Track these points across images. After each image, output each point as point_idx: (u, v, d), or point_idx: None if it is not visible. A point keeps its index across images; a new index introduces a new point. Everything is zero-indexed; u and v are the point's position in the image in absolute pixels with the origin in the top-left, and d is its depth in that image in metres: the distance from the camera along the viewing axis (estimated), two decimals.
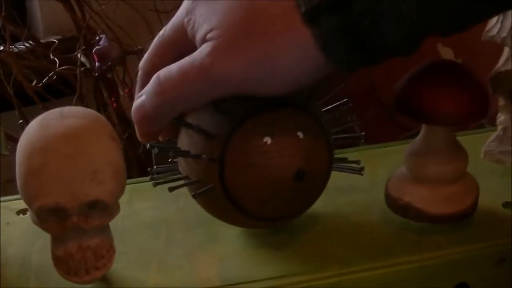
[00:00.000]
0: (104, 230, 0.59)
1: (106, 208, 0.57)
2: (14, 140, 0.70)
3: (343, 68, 0.53)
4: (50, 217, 0.56)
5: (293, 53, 0.52)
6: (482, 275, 0.63)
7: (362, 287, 0.60)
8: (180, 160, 0.62)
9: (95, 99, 1.13)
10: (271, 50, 0.51)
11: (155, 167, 0.64)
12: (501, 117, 0.72)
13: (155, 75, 0.56)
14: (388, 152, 0.78)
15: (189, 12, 0.55)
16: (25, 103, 1.05)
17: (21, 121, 0.98)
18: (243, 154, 0.58)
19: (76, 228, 0.57)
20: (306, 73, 0.53)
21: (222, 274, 0.60)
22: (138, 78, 0.60)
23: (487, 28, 0.68)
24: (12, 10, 1.10)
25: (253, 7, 0.52)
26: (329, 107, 0.64)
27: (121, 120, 1.07)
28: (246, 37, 0.51)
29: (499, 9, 0.52)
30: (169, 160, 0.64)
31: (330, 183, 0.65)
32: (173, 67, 0.55)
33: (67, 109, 0.60)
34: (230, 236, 0.65)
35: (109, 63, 0.98)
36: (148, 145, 0.62)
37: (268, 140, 0.58)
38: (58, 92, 1.11)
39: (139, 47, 1.06)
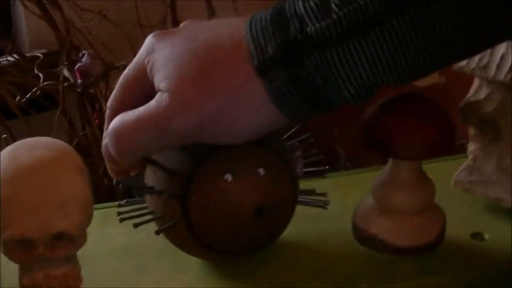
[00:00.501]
0: (71, 259, 0.60)
1: (72, 239, 0.58)
2: None
3: (295, 120, 0.53)
4: (16, 248, 0.57)
5: (248, 108, 0.52)
6: None
7: None
8: (147, 195, 0.63)
9: (80, 114, 1.13)
10: (226, 107, 0.52)
11: (124, 200, 0.65)
12: (471, 147, 0.72)
13: (112, 122, 0.57)
14: (362, 179, 0.79)
15: (149, 53, 0.56)
16: (9, 117, 1.06)
17: (4, 135, 1.00)
18: (205, 191, 0.59)
19: (42, 258, 0.57)
20: (262, 125, 0.54)
21: None
22: (106, 116, 0.61)
23: None
24: None
25: (207, 60, 0.52)
26: (292, 141, 0.64)
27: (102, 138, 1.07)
28: (201, 95, 0.52)
29: (453, 61, 0.54)
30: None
31: (299, 211, 0.66)
32: (130, 116, 0.56)
33: (36, 140, 0.61)
34: (197, 265, 0.66)
35: (92, 79, 0.99)
36: (114, 181, 0.63)
37: (229, 177, 0.59)
38: (42, 106, 1.11)
39: (122, 63, 1.07)
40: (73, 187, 0.58)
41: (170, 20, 1.23)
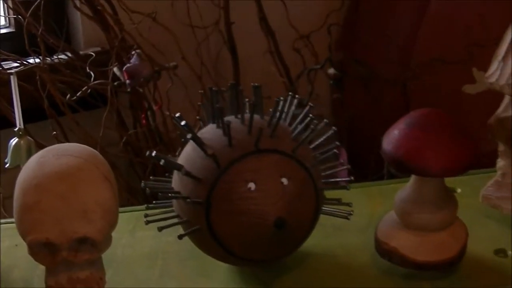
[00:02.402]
0: (95, 263, 0.62)
1: (95, 244, 0.60)
2: None
3: None
4: (41, 250, 0.60)
5: None
6: None
7: None
8: (173, 200, 0.64)
9: (132, 114, 1.16)
10: None
11: (154, 202, 0.67)
12: (500, 162, 0.72)
13: None
14: (392, 190, 0.79)
15: None
16: (60, 114, 1.09)
17: (54, 132, 1.03)
18: (228, 199, 0.61)
19: (66, 261, 0.60)
20: None
21: None
22: None
23: (487, 74, 0.69)
24: (53, 23, 1.14)
25: None
26: (320, 152, 0.65)
27: (151, 137, 1.10)
28: None
29: None
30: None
31: (325, 220, 0.67)
32: None
33: (64, 146, 0.64)
34: (221, 271, 0.67)
35: (141, 80, 1.01)
36: (142, 184, 0.65)
37: (252, 186, 0.60)
38: (93, 104, 1.14)
39: (172, 64, 1.09)
40: (97, 194, 0.60)
41: (223, 21, 1.25)
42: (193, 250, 0.67)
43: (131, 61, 1.03)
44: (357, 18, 1.31)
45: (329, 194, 0.68)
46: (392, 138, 0.62)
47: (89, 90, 1.06)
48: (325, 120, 0.67)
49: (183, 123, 0.63)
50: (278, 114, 0.63)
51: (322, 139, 0.65)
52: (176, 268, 0.68)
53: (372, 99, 1.22)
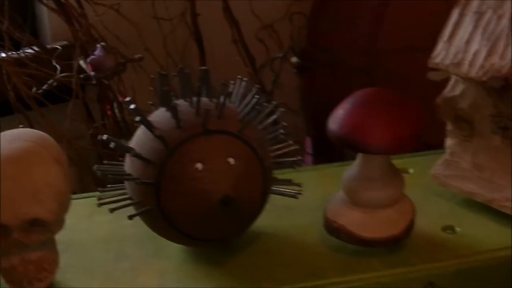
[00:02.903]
0: (47, 244, 0.63)
1: (46, 225, 0.61)
2: None
3: None
4: None
5: None
6: None
7: None
8: (126, 182, 0.66)
9: (100, 107, 1.17)
10: None
11: (108, 186, 0.68)
12: (449, 142, 0.74)
13: None
14: (344, 171, 0.80)
15: None
16: (28, 108, 1.10)
17: (21, 126, 1.03)
18: (176, 179, 0.62)
19: (18, 243, 0.61)
20: None
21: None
22: None
23: (433, 55, 0.70)
24: (19, 17, 1.15)
25: None
26: (269, 135, 0.67)
27: (118, 128, 1.11)
28: None
29: None
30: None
31: (278, 201, 0.69)
32: None
33: (18, 132, 0.65)
34: (174, 251, 0.68)
35: (107, 72, 1.02)
36: (94, 167, 0.66)
37: (199, 166, 0.62)
38: (61, 98, 1.15)
39: (138, 55, 1.10)
40: (47, 176, 0.61)
41: (190, 13, 1.26)
42: (148, 233, 0.68)
43: (95, 53, 1.04)
44: (322, 6, 1.32)
45: (288, 175, 0.70)
46: (337, 118, 0.64)
47: (55, 83, 1.07)
48: (273, 102, 0.68)
49: (132, 106, 0.64)
50: (225, 96, 0.64)
51: (269, 120, 0.67)
52: (131, 250, 0.70)
53: (340, 87, 1.23)
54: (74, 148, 1.12)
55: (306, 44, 1.32)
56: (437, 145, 0.77)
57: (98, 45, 1.05)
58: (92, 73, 1.04)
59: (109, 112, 1.13)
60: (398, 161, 0.79)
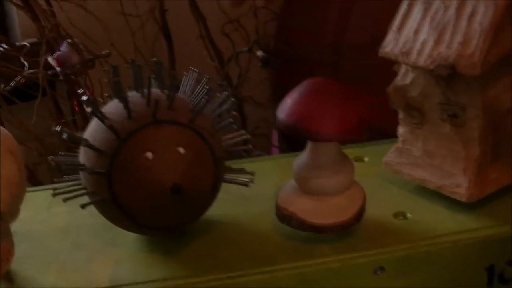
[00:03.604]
0: (1, 235, 0.64)
1: None
2: None
3: None
4: None
5: None
6: (361, 283, 0.66)
7: None
8: (81, 173, 0.67)
9: (69, 103, 1.18)
10: None
11: (64, 177, 0.69)
12: (400, 130, 0.75)
13: None
14: None
15: None
16: None
17: None
18: (128, 169, 0.63)
19: None
20: None
21: (114, 276, 0.65)
22: None
23: (383, 44, 0.71)
24: None
25: None
26: (221, 124, 0.68)
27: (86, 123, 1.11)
28: None
29: None
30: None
31: (234, 191, 0.70)
32: None
33: None
34: (129, 240, 0.69)
35: (73, 68, 1.03)
36: (49, 158, 0.67)
37: (149, 155, 0.63)
38: (31, 95, 1.16)
39: (106, 51, 1.11)
40: None
41: (158, 9, 1.27)
42: (105, 223, 0.69)
43: (61, 49, 1.05)
44: (291, 2, 1.34)
45: (244, 165, 0.71)
46: (285, 107, 0.65)
47: (23, 80, 1.08)
48: (225, 92, 0.69)
49: (84, 98, 0.65)
50: (175, 87, 0.66)
51: (220, 110, 0.68)
52: (88, 240, 0.71)
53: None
54: (44, 145, 1.13)
55: (275, 38, 1.33)
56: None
57: (65, 42, 1.06)
58: (58, 69, 1.05)
59: (76, 108, 1.14)
60: (354, 150, 0.81)
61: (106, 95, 0.70)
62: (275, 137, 1.32)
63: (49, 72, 1.11)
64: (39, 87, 1.15)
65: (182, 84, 0.70)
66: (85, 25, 1.19)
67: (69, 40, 1.06)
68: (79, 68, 1.06)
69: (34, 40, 1.22)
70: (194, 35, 1.30)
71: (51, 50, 1.11)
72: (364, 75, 1.25)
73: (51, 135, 1.17)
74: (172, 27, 1.31)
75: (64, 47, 1.05)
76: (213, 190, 0.67)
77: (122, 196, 0.64)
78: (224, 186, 0.70)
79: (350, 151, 0.80)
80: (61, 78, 1.09)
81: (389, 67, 0.74)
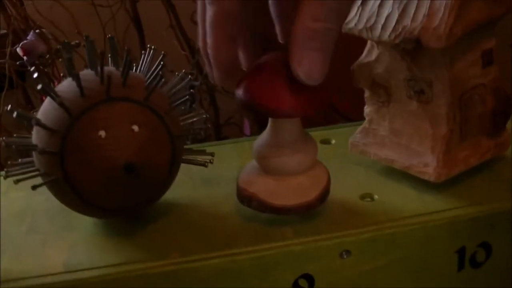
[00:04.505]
0: None
1: None
2: None
3: None
4: None
5: None
6: (326, 266, 0.64)
7: (198, 276, 0.62)
8: (34, 154, 0.64)
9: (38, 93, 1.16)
10: None
11: (19, 160, 0.67)
12: (367, 109, 0.73)
13: None
14: None
15: None
16: None
17: None
18: (80, 147, 0.61)
19: None
20: None
21: (69, 261, 0.63)
22: None
23: (347, 20, 0.69)
24: None
25: None
26: (177, 102, 0.65)
27: None
28: None
29: None
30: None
31: (197, 174, 0.68)
32: None
33: None
34: (85, 224, 0.67)
35: (39, 57, 1.01)
36: (1, 140, 0.65)
37: (102, 133, 0.61)
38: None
39: (75, 42, 1.09)
40: None
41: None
42: (62, 207, 0.66)
43: (28, 37, 1.03)
44: None
45: (208, 148, 0.70)
46: (242, 85, 0.62)
47: None
48: (183, 70, 0.67)
49: (35, 75, 0.63)
50: (128, 63, 0.63)
51: (177, 88, 0.66)
52: (44, 224, 0.68)
53: None
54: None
55: None
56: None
57: (32, 31, 1.04)
58: (25, 58, 1.03)
59: (43, 98, 1.11)
60: (321, 132, 0.79)
61: (62, 74, 0.68)
62: (246, 126, 1.30)
63: (17, 63, 1.08)
64: (10, 78, 1.13)
65: (140, 62, 0.68)
66: (54, 16, 1.16)
67: (37, 30, 1.04)
68: (47, 58, 1.03)
69: (3, 31, 1.20)
70: (165, 25, 1.28)
71: (19, 41, 1.09)
72: (338, 57, 1.22)
73: (21, 127, 1.15)
74: (143, 18, 1.29)
75: (30, 36, 1.03)
76: (170, 170, 0.64)
77: (74, 176, 0.61)
78: (186, 169, 0.68)
79: (317, 133, 0.78)
80: (29, 68, 1.06)
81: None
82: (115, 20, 1.28)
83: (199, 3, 0.62)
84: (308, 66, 0.57)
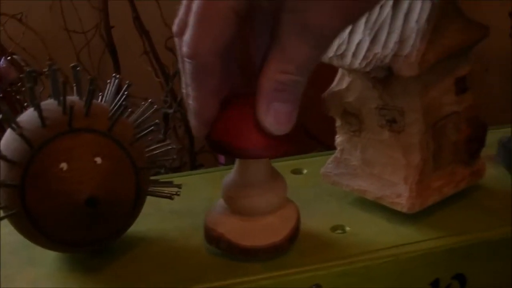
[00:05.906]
0: None
1: None
2: None
3: None
4: None
5: None
6: None
7: None
8: None
9: None
10: None
11: None
12: (338, 139, 0.71)
13: None
14: None
15: None
16: None
17: None
18: (41, 180, 0.59)
19: None
20: None
21: None
22: None
23: None
24: None
25: None
26: (143, 132, 0.63)
27: None
28: None
29: None
30: None
31: (165, 206, 0.66)
32: None
33: None
34: (49, 259, 0.65)
35: (10, 83, 0.99)
36: None
37: (64, 166, 0.59)
38: None
39: (46, 70, 1.06)
40: None
41: (103, 25, 1.23)
42: (25, 242, 0.64)
43: None
44: None
45: (176, 179, 0.68)
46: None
47: None
48: (149, 100, 0.65)
49: None
50: (92, 93, 0.61)
51: (142, 118, 0.64)
52: (7, 258, 0.66)
53: None
54: None
55: None
56: None
57: (3, 57, 1.02)
58: None
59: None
60: (292, 162, 0.78)
61: (26, 104, 0.66)
62: (221, 155, 1.28)
63: None
64: None
65: (106, 91, 0.66)
66: (27, 42, 1.15)
67: (8, 57, 1.02)
68: (19, 85, 1.02)
69: None
70: (140, 51, 1.27)
71: None
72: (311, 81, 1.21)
73: None
74: (118, 44, 1.27)
75: (1, 62, 1.01)
76: (135, 203, 0.62)
77: (35, 210, 0.59)
78: (154, 200, 0.66)
79: (289, 163, 0.77)
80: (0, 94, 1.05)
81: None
82: (89, 47, 1.26)
83: (178, 54, 0.59)
84: (274, 117, 0.55)
